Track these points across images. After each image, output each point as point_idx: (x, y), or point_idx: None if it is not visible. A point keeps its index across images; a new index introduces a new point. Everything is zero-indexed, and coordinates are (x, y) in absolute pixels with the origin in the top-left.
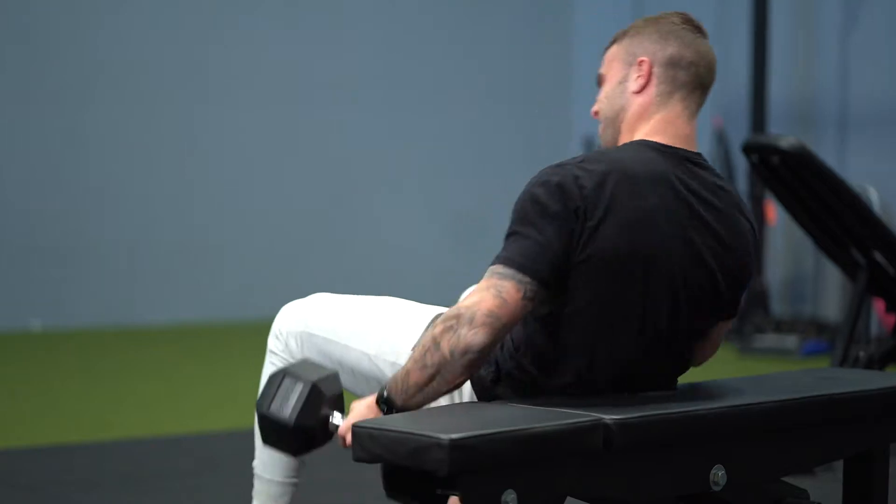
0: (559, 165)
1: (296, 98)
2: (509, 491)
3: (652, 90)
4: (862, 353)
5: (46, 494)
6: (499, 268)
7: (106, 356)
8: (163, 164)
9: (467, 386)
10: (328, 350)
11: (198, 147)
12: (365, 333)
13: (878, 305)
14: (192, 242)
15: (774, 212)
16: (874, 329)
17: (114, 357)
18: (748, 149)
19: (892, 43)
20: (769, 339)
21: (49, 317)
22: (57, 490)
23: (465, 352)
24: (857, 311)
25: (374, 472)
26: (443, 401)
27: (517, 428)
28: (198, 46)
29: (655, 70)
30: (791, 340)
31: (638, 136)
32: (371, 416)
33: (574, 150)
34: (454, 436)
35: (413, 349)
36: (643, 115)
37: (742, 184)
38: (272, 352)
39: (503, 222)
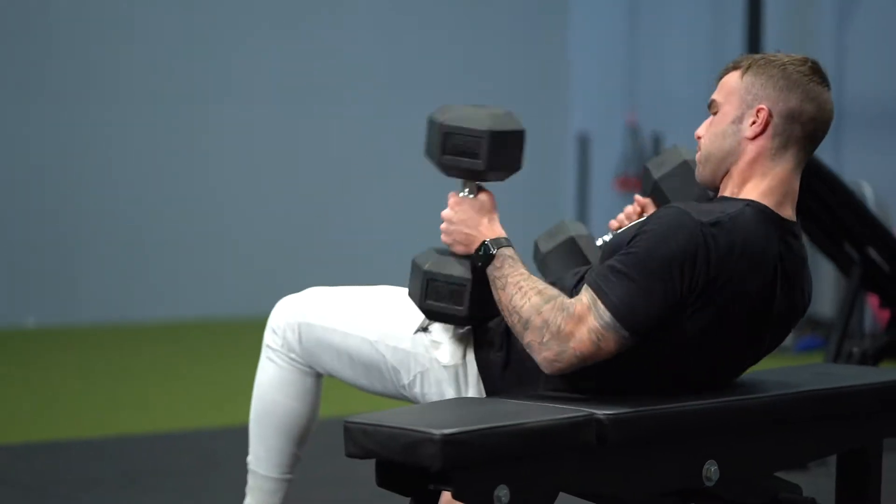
0: (693, 219)
1: (296, 97)
2: (502, 486)
3: (766, 141)
4: (856, 349)
5: (44, 492)
6: (607, 314)
7: (103, 353)
8: (160, 161)
9: (474, 367)
10: (327, 339)
11: (197, 144)
12: (364, 320)
13: (872, 301)
14: (189, 239)
15: None
16: (868, 325)
17: (111, 354)
18: None
19: (887, 39)
20: None
21: (43, 314)
22: (55, 487)
23: (532, 355)
24: (851, 306)
25: (368, 468)
26: (450, 392)
27: (510, 423)
28: (197, 46)
29: (774, 121)
30: None
31: (749, 189)
32: (476, 231)
33: (570, 149)
34: (447, 431)
35: (520, 288)
36: (756, 167)
37: None
38: (269, 347)
39: (501, 221)
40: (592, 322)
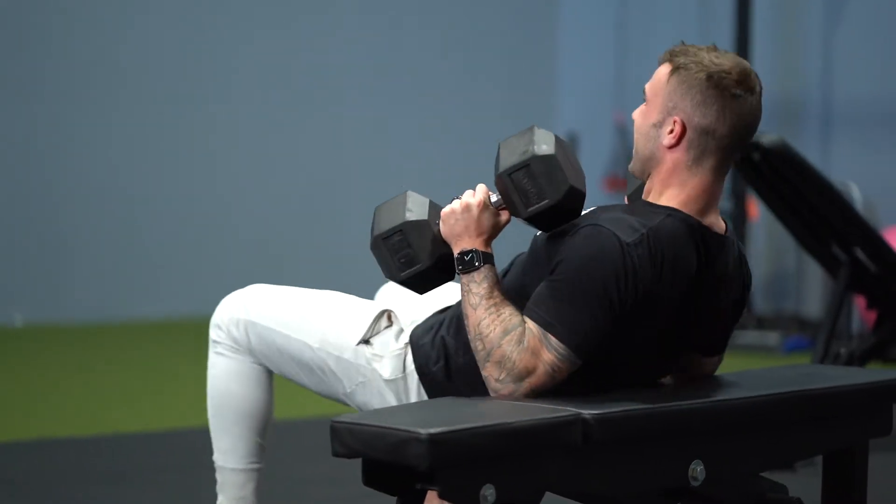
0: (620, 242)
1: (295, 97)
2: (488, 486)
3: (682, 153)
4: (843, 350)
5: (31, 489)
6: (561, 346)
7: (90, 351)
8: (152, 158)
9: (414, 381)
10: (271, 339)
11: (193, 142)
12: (307, 325)
13: (859, 302)
14: (179, 237)
15: (756, 208)
16: (855, 325)
17: (99, 352)
18: None
19: (875, 40)
20: (751, 336)
21: (31, 311)
22: (45, 485)
23: (487, 385)
24: (839, 307)
25: (356, 467)
26: (392, 403)
27: (496, 422)
28: (197, 46)
29: (688, 134)
30: (773, 337)
31: (669, 197)
32: (472, 237)
33: None
34: (433, 430)
35: (489, 314)
36: (674, 177)
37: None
38: (215, 342)
39: None
40: (547, 356)
